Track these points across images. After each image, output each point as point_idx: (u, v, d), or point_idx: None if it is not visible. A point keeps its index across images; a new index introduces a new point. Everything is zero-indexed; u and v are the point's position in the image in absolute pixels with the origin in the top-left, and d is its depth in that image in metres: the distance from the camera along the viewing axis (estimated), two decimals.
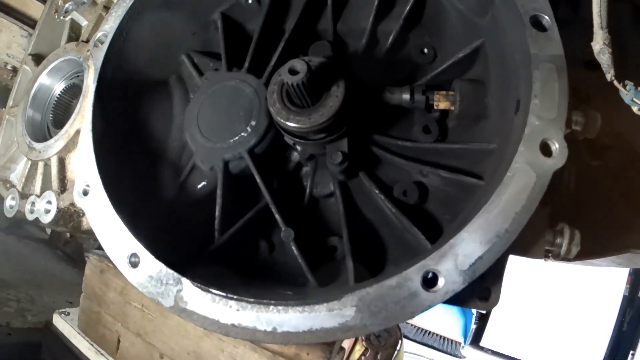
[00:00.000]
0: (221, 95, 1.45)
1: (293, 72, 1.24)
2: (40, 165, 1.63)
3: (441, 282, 1.05)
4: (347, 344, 1.74)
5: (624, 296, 2.95)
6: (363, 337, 1.76)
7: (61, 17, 1.94)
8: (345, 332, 1.08)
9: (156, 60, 1.48)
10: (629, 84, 1.31)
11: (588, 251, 1.69)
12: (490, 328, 3.20)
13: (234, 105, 1.43)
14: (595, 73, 1.48)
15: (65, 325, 2.15)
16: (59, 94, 1.90)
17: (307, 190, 1.43)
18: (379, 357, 1.75)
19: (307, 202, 1.42)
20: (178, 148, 1.47)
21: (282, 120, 1.32)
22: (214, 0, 1.54)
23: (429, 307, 1.07)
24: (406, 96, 1.39)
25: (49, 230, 3.63)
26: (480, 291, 1.18)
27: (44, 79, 1.88)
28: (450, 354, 7.24)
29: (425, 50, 1.49)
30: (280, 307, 1.11)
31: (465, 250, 1.06)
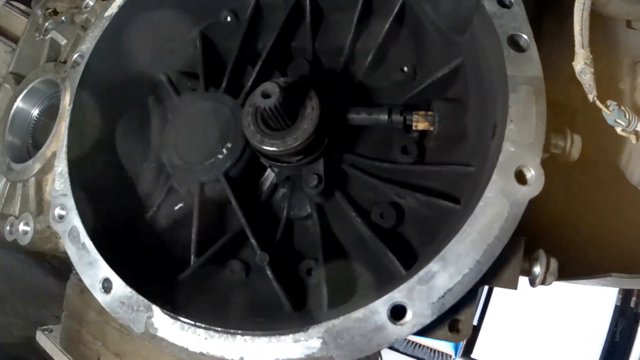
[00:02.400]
0: (198, 116, 1.38)
1: (265, 95, 1.17)
2: (19, 186, 1.58)
3: (409, 315, 0.98)
4: None
5: (616, 306, 2.84)
6: None
7: (41, 36, 1.89)
8: None
9: (134, 81, 1.42)
10: (612, 104, 1.23)
11: (570, 273, 1.61)
12: (481, 340, 3.10)
13: (210, 127, 1.36)
14: (581, 87, 1.40)
15: (47, 342, 2.12)
16: (36, 117, 1.85)
17: (284, 213, 1.36)
18: None
19: (284, 224, 1.35)
20: (156, 169, 1.41)
21: (256, 144, 1.25)
22: (193, 19, 1.48)
23: (396, 340, 1.01)
24: (384, 116, 1.32)
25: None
26: (451, 323, 1.11)
27: (20, 103, 1.82)
28: None
29: (405, 69, 1.41)
30: (247, 337, 1.05)
31: (434, 282, 0.99)
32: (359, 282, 1.29)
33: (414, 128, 1.32)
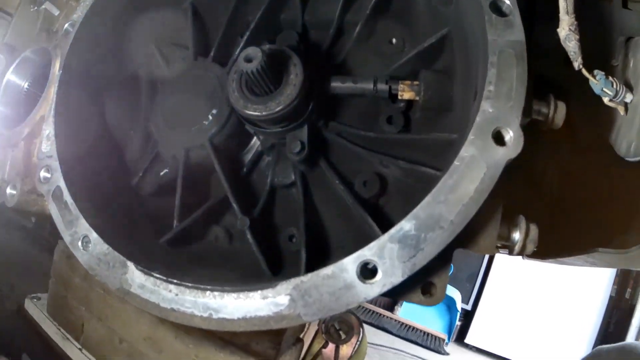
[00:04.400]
0: (186, 84, 1.35)
1: (248, 59, 1.14)
2: (9, 151, 1.57)
3: (379, 274, 0.93)
4: (307, 336, 1.63)
5: (611, 297, 2.75)
6: (323, 330, 1.65)
7: (36, 8, 1.88)
8: (279, 321, 0.97)
9: (125, 50, 1.40)
10: (599, 73, 1.17)
11: (555, 249, 1.55)
12: (475, 325, 3.02)
13: (197, 94, 1.33)
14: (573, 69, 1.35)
15: (35, 310, 2.09)
16: (27, 87, 1.83)
17: (268, 180, 1.32)
18: (340, 350, 1.63)
19: (268, 192, 1.31)
20: (143, 137, 1.38)
21: (239, 109, 1.22)
22: None
23: (365, 299, 0.95)
24: (369, 86, 1.27)
25: (33, 219, 3.59)
26: (424, 285, 1.05)
27: (12, 74, 1.81)
28: (434, 350, 7.02)
29: (394, 41, 1.37)
30: (216, 293, 1.01)
31: (405, 241, 0.94)
32: (338, 250, 1.25)
33: (399, 97, 1.28)
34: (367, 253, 0.94)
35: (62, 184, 1.23)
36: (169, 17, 1.44)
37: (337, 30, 1.37)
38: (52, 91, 1.30)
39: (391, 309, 7.65)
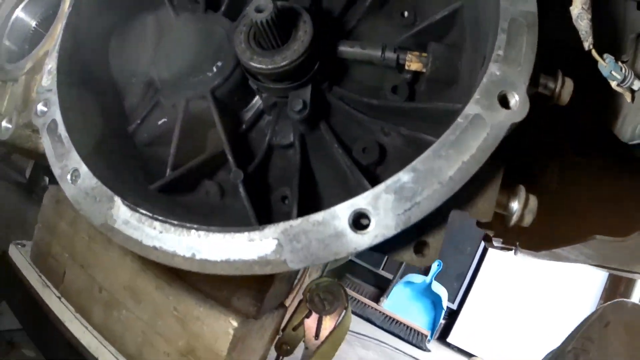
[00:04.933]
0: (193, 35, 1.34)
1: (259, 10, 1.13)
2: (9, 85, 1.55)
3: (372, 224, 0.91)
4: (291, 306, 1.60)
5: (604, 289, 2.71)
6: (307, 299, 1.61)
7: None
8: (263, 267, 0.95)
9: None
10: (609, 57, 1.16)
11: (552, 239, 1.53)
12: (459, 325, 2.96)
13: (203, 46, 1.32)
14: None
15: (19, 256, 2.05)
16: (34, 26, 1.83)
17: (267, 138, 1.30)
18: (322, 321, 1.60)
19: (265, 150, 1.30)
20: (145, 85, 1.36)
21: (245, 60, 1.21)
22: None
23: (355, 249, 0.92)
24: (377, 53, 1.26)
25: (28, 172, 3.56)
26: (417, 244, 1.03)
27: (20, 11, 1.81)
28: (415, 346, 6.96)
29: (406, 14, 1.36)
30: (201, 232, 0.99)
31: (401, 193, 0.92)
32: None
33: (406, 68, 1.27)
34: (360, 202, 0.92)
35: (58, 117, 1.21)
36: None
37: None
38: (58, 27, 1.29)
39: (377, 300, 7.63)
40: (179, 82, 1.31)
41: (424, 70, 1.25)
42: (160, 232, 1.02)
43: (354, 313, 6.39)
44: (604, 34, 1.23)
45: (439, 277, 7.16)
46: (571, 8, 1.15)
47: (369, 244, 0.92)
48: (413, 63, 1.26)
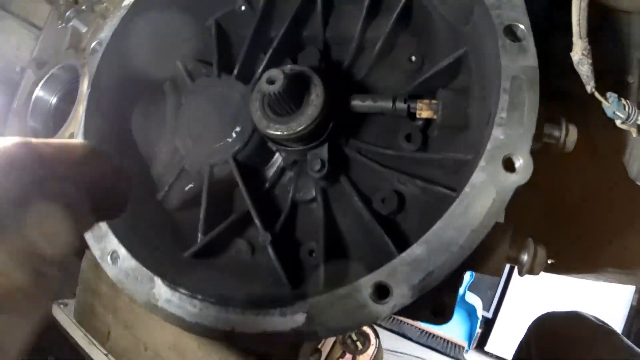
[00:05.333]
0: (210, 101, 1.43)
1: (270, 81, 1.21)
2: None
3: (390, 295, 1.00)
4: (325, 346, 1.70)
5: (632, 306, 2.72)
6: (340, 341, 1.72)
7: (63, 24, 1.98)
8: (297, 337, 1.05)
9: (150, 67, 1.48)
10: (612, 96, 1.20)
11: (566, 268, 1.58)
12: (495, 333, 3.03)
13: (221, 111, 1.41)
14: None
15: (62, 315, 2.21)
16: (56, 103, 1.93)
17: (290, 195, 1.39)
18: None
19: (289, 207, 1.39)
20: (169, 152, 1.46)
21: (262, 128, 1.29)
22: (209, 8, 1.52)
23: (377, 319, 1.03)
24: (388, 104, 1.33)
25: None
26: (434, 305, 1.12)
27: (40, 90, 1.91)
28: (454, 358, 7.00)
29: (413, 58, 1.42)
30: (238, 310, 1.10)
31: (416, 264, 1.01)
32: (356, 265, 1.32)
33: (417, 116, 1.33)
34: (380, 275, 1.01)
35: None
36: (194, 34, 1.52)
37: (358, 47, 1.43)
38: (80, 109, 1.39)
39: None
40: (201, 149, 1.41)
41: (435, 117, 1.32)
42: (201, 310, 1.13)
43: (390, 330, 6.51)
44: (606, 52, 1.26)
45: (472, 287, 7.13)
46: (572, 54, 1.19)
47: (389, 312, 1.02)
48: (424, 111, 1.32)
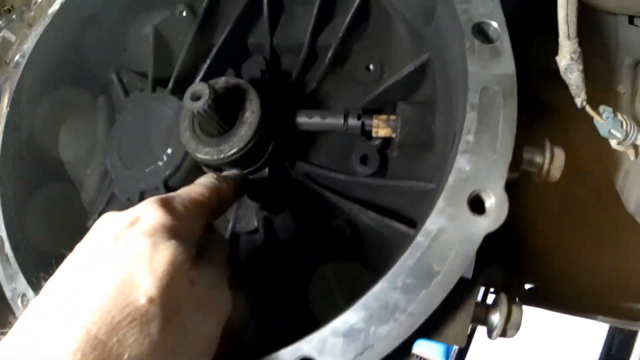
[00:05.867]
0: (142, 119, 1.08)
1: (195, 97, 0.86)
2: None
3: None
4: None
5: None
6: None
7: None
8: None
9: (81, 81, 1.13)
10: (607, 110, 0.84)
11: (554, 305, 1.22)
12: (473, 349, 2.65)
13: (153, 130, 1.06)
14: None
15: None
16: None
17: (230, 225, 1.04)
18: None
19: (229, 238, 1.04)
20: (100, 175, 1.12)
21: (190, 151, 0.95)
22: (146, 14, 1.16)
23: None
24: (339, 121, 0.98)
25: None
26: None
27: None
28: None
29: (371, 67, 1.06)
30: None
31: (351, 336, 0.65)
32: None
33: (374, 135, 0.98)
34: (305, 347, 0.66)
35: (3, 234, 0.99)
36: (130, 44, 1.17)
37: (308, 55, 1.07)
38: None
39: None
40: (131, 173, 1.06)
41: (394, 135, 0.96)
42: None
43: None
44: (591, 58, 0.90)
45: None
46: (557, 58, 0.82)
47: None
48: (380, 129, 0.96)
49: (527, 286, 1.29)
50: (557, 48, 0.88)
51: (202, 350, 0.65)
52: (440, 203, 0.68)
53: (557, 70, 0.90)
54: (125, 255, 0.60)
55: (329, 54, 1.04)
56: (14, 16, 1.49)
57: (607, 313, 1.03)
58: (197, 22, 1.10)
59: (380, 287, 0.66)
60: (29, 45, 1.06)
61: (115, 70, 1.16)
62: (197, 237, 0.69)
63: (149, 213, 0.66)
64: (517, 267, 1.07)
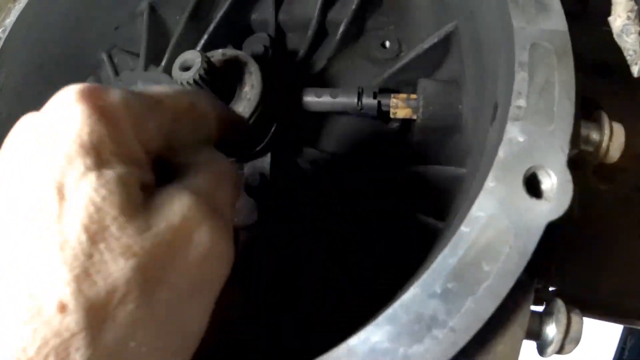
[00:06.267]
0: None
1: (185, 67, 0.67)
2: None
3: None
4: None
5: None
6: None
7: None
8: None
9: (69, 60, 0.94)
10: None
11: (597, 312, 1.00)
12: None
13: None
14: (609, 79, 0.82)
15: None
16: None
17: None
18: None
19: None
20: None
21: None
22: None
23: None
24: (352, 100, 0.77)
25: None
26: None
27: None
28: None
29: (388, 44, 0.85)
30: None
31: (374, 357, 0.44)
32: None
33: (392, 116, 0.77)
34: None
35: None
36: (122, 21, 0.97)
37: (317, 32, 0.86)
38: None
39: None
40: None
41: (415, 117, 0.75)
42: None
43: None
44: None
45: None
46: (611, 19, 0.62)
47: None
48: (400, 109, 0.76)
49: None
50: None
51: (178, 346, 0.39)
52: (490, 182, 0.47)
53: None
54: (22, 212, 0.34)
55: (340, 29, 0.84)
56: None
57: None
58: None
59: (412, 295, 0.45)
60: (10, 20, 0.87)
61: (106, 49, 0.96)
62: (152, 154, 0.41)
63: (69, 118, 0.37)
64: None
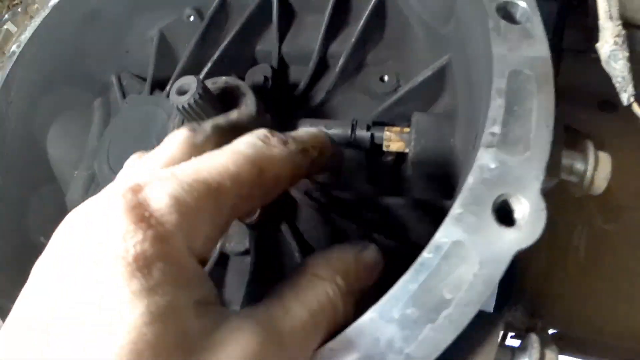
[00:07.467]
0: (135, 121, 0.92)
1: (181, 92, 0.70)
2: None
3: None
4: None
5: None
6: None
7: None
8: None
9: (79, 80, 0.99)
10: None
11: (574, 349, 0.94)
12: None
13: (145, 133, 0.90)
14: (611, 115, 0.81)
15: None
16: None
17: (218, 245, 0.85)
18: None
19: (216, 258, 0.84)
20: (87, 178, 0.95)
21: None
22: (152, 16, 1.02)
23: None
24: (346, 131, 0.79)
25: None
26: None
27: None
28: None
29: (386, 78, 0.87)
30: None
31: None
32: None
33: (385, 149, 0.78)
34: None
35: None
36: (133, 46, 1.03)
37: (318, 64, 0.89)
38: None
39: None
40: None
41: (407, 150, 0.76)
42: None
43: None
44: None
45: None
46: (598, 45, 0.62)
47: None
48: (393, 142, 0.77)
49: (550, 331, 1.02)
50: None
51: None
52: (456, 209, 0.46)
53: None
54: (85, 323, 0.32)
55: (340, 62, 0.87)
56: (19, 9, 1.41)
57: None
58: (203, 25, 0.95)
59: (369, 318, 0.44)
60: (25, 36, 0.94)
61: (115, 72, 1.02)
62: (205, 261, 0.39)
63: (114, 235, 0.35)
64: (540, 309, 0.82)
